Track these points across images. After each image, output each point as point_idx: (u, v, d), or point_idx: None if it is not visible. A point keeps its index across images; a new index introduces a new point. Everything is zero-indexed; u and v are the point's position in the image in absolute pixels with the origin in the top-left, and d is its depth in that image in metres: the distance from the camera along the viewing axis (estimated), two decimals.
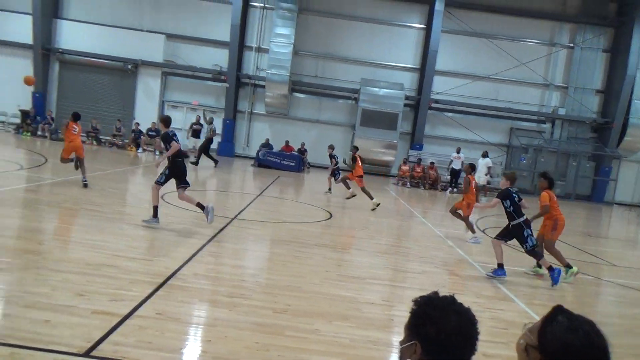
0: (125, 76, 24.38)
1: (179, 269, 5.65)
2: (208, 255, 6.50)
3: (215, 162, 18.65)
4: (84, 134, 21.43)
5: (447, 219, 11.79)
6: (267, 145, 23.06)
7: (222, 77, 24.22)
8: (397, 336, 3.21)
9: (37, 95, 23.96)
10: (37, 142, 19.52)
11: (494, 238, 7.42)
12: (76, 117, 10.95)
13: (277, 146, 23.36)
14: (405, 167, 22.06)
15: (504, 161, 24.94)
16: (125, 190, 12.17)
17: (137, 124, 22.20)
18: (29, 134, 21.54)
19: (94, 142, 21.57)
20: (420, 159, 22.72)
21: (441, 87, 24.37)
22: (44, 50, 23.78)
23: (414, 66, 24.85)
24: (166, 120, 8.10)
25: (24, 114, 22.44)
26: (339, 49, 24.88)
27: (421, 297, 1.71)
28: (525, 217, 7.20)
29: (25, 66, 24.23)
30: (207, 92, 25.06)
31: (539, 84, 24.81)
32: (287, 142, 23.20)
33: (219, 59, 24.28)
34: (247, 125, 25.18)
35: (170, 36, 24.45)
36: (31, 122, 22.00)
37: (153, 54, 24.09)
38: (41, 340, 3.52)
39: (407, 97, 23.94)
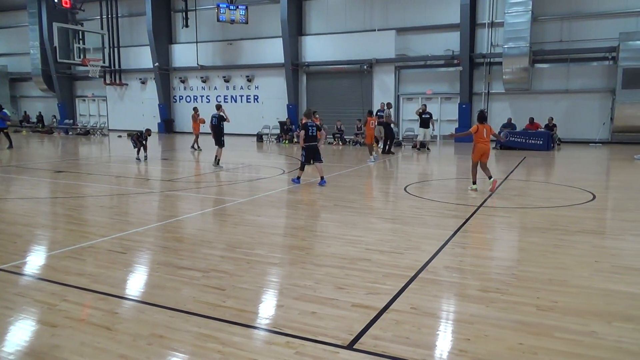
0: (362, 76, 25.84)
1: (429, 262, 5.58)
2: (457, 247, 6.28)
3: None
4: (330, 136, 23.40)
5: None
6: (509, 125, 21.55)
7: (455, 61, 23.63)
8: None
9: (290, 106, 27.25)
10: (294, 148, 22.02)
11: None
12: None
13: (521, 125, 21.62)
14: None
15: None
16: (372, 185, 12.73)
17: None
18: (286, 141, 24.52)
19: (340, 142, 23.31)
20: None
21: None
22: (294, 65, 26.88)
23: None
24: None
25: (282, 124, 25.65)
26: (589, 5, 21.79)
27: None
28: (314, 143, 10.98)
29: (279, 83, 27.83)
30: (440, 79, 24.79)
31: None
32: (531, 119, 21.29)
33: (450, 43, 23.75)
34: (485, 107, 23.99)
35: (400, 30, 24.98)
36: (287, 131, 25.01)
37: (385, 51, 24.96)
38: (310, 331, 3.82)
39: None
